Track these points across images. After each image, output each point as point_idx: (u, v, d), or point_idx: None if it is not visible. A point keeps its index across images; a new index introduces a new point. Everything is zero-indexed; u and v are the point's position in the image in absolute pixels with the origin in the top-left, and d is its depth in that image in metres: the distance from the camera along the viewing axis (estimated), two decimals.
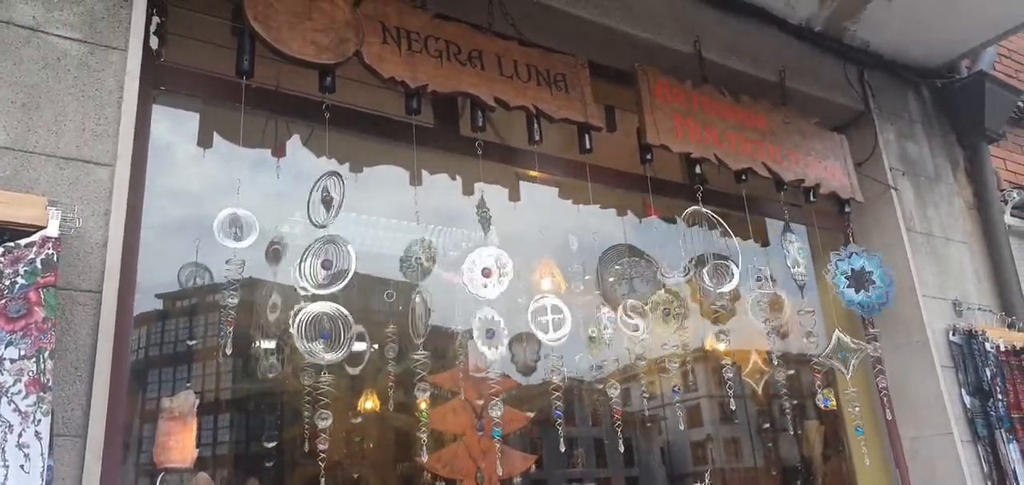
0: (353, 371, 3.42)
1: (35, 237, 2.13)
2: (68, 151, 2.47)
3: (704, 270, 3.82)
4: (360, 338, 3.18)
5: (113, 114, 2.58)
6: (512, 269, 3.23)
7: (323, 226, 2.94)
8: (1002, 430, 4.40)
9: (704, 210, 3.93)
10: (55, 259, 2.12)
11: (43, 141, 2.44)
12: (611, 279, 3.96)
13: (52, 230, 2.16)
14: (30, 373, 1.99)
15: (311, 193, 2.99)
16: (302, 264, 2.87)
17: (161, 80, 2.95)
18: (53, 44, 2.55)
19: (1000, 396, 4.48)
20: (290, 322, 2.82)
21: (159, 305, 5.66)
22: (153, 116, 2.89)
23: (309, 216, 2.98)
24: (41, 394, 1.99)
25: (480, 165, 3.45)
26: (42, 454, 1.95)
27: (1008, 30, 5.12)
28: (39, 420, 1.97)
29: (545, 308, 3.38)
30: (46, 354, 2.02)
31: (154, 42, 2.92)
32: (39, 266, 2.08)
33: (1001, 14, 4.89)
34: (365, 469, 6.02)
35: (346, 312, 2.85)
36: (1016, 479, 4.32)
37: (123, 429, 2.55)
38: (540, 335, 3.34)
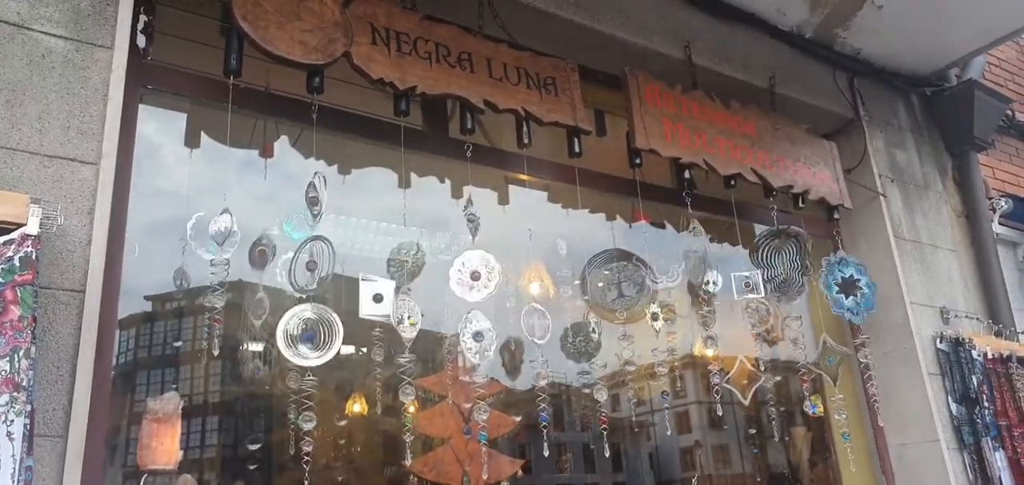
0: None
1: (14, 234, 2.10)
2: (52, 149, 2.45)
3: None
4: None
5: (98, 112, 2.57)
6: (499, 272, 3.22)
7: (317, 215, 2.93)
8: (988, 438, 4.42)
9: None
10: (34, 257, 2.10)
11: (26, 138, 2.42)
12: (600, 284, 3.95)
13: (31, 228, 2.13)
14: (3, 372, 1.97)
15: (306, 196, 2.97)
16: (290, 265, 2.86)
17: (148, 79, 2.93)
18: (38, 41, 2.53)
19: (987, 404, 4.50)
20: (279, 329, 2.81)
21: (148, 307, 5.62)
22: (140, 115, 2.87)
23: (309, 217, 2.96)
24: (15, 394, 1.96)
25: (469, 168, 3.45)
26: (14, 455, 1.92)
27: (997, 39, 5.14)
28: (12, 420, 1.95)
29: (532, 311, 3.39)
30: (21, 353, 1.99)
31: (141, 40, 2.90)
32: (16, 264, 2.05)
33: (990, 23, 4.92)
34: (352, 473, 6.00)
35: (333, 314, 2.84)
36: None
37: (108, 431, 2.53)
38: (530, 339, 3.35)
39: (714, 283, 3.93)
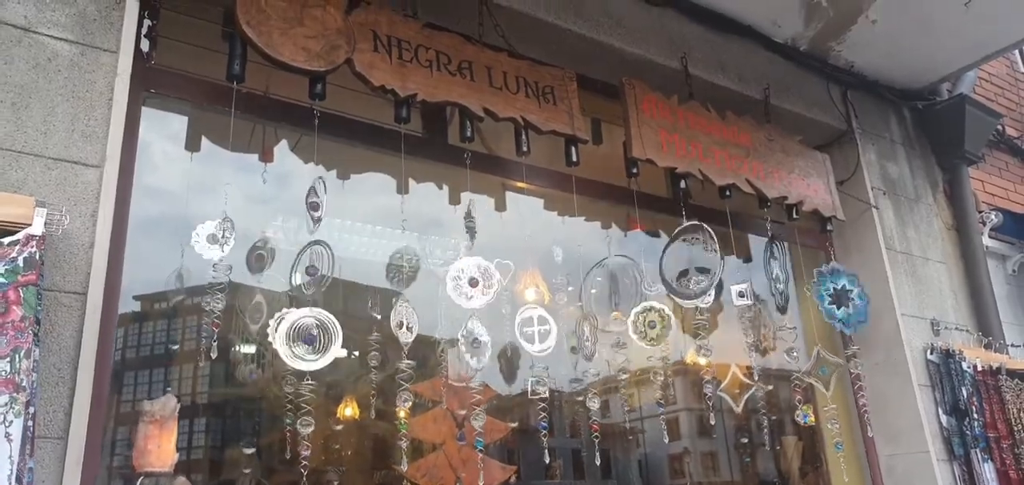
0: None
1: (19, 236, 2.11)
2: (57, 152, 2.46)
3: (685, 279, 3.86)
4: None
5: (103, 115, 2.58)
6: (497, 280, 3.23)
7: (318, 220, 2.94)
8: (978, 449, 4.46)
9: (703, 227, 3.92)
10: (37, 257, 2.11)
11: (32, 141, 2.43)
12: (594, 291, 3.98)
13: (36, 228, 2.14)
14: (3, 373, 1.97)
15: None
16: (292, 270, 2.88)
17: (151, 83, 2.94)
18: (44, 44, 2.54)
19: (976, 416, 4.54)
20: (272, 328, 2.78)
21: (137, 307, 5.59)
22: (142, 118, 2.88)
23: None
24: (14, 394, 1.96)
25: (468, 175, 3.46)
26: (12, 457, 1.92)
27: (988, 54, 5.20)
28: (10, 421, 1.94)
29: (532, 319, 3.40)
30: (22, 354, 2.00)
31: (145, 45, 2.92)
32: (20, 264, 2.06)
33: (981, 39, 4.98)
34: (344, 476, 5.99)
35: (333, 318, 2.84)
36: None
37: (103, 432, 2.54)
38: (527, 346, 3.35)
39: (742, 294, 3.97)
